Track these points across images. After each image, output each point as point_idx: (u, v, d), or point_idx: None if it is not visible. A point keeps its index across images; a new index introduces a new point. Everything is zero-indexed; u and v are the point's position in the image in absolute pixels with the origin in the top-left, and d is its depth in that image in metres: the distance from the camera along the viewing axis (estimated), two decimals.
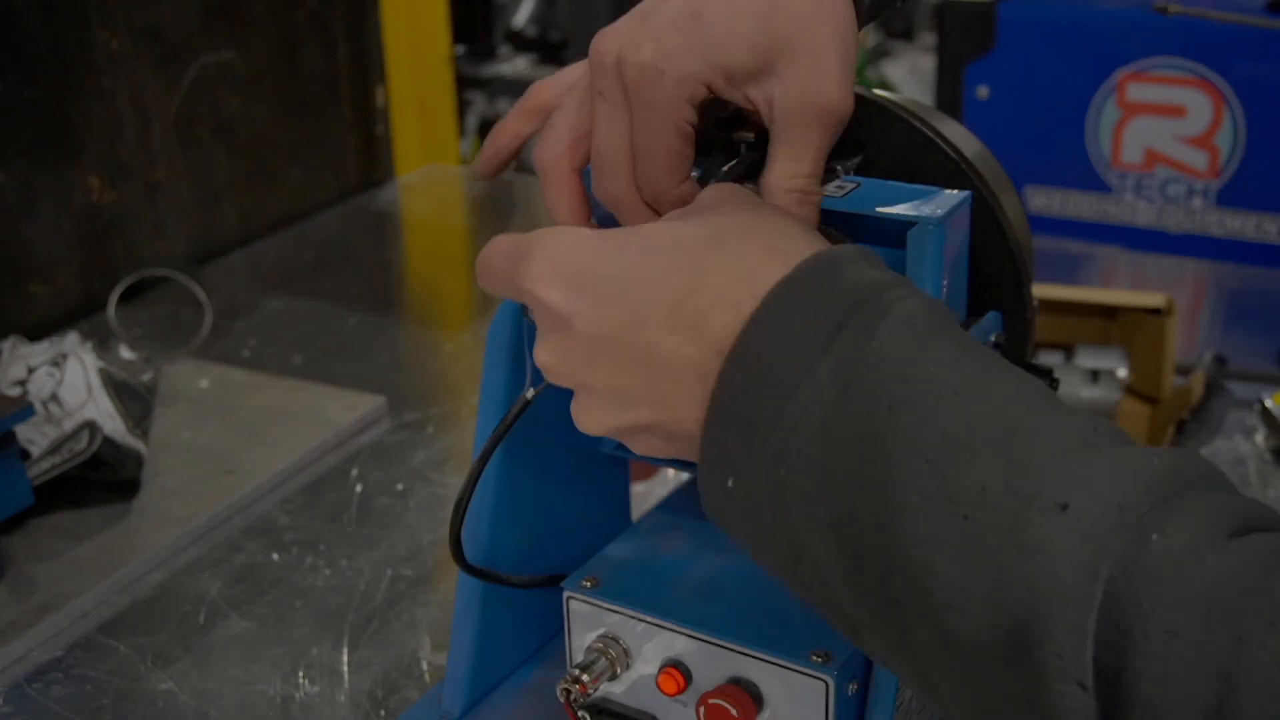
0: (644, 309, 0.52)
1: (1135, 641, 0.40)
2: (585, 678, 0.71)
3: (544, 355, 0.56)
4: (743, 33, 0.59)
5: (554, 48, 2.99)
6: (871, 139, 0.71)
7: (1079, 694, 0.41)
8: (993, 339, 0.69)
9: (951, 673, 0.44)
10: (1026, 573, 0.42)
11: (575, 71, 0.67)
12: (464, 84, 2.67)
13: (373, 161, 1.76)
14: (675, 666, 0.70)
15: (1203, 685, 0.39)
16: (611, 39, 0.60)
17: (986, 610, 0.42)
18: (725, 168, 0.69)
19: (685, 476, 0.84)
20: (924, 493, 0.44)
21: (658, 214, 0.63)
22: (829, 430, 0.47)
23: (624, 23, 0.61)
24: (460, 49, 2.68)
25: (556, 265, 0.54)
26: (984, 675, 0.43)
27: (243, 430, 1.15)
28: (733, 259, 0.52)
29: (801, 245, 0.52)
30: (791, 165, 0.60)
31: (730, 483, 0.50)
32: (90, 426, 1.02)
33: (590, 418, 0.56)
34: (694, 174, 0.71)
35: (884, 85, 3.32)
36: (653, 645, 0.71)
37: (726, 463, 0.50)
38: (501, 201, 1.82)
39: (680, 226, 0.55)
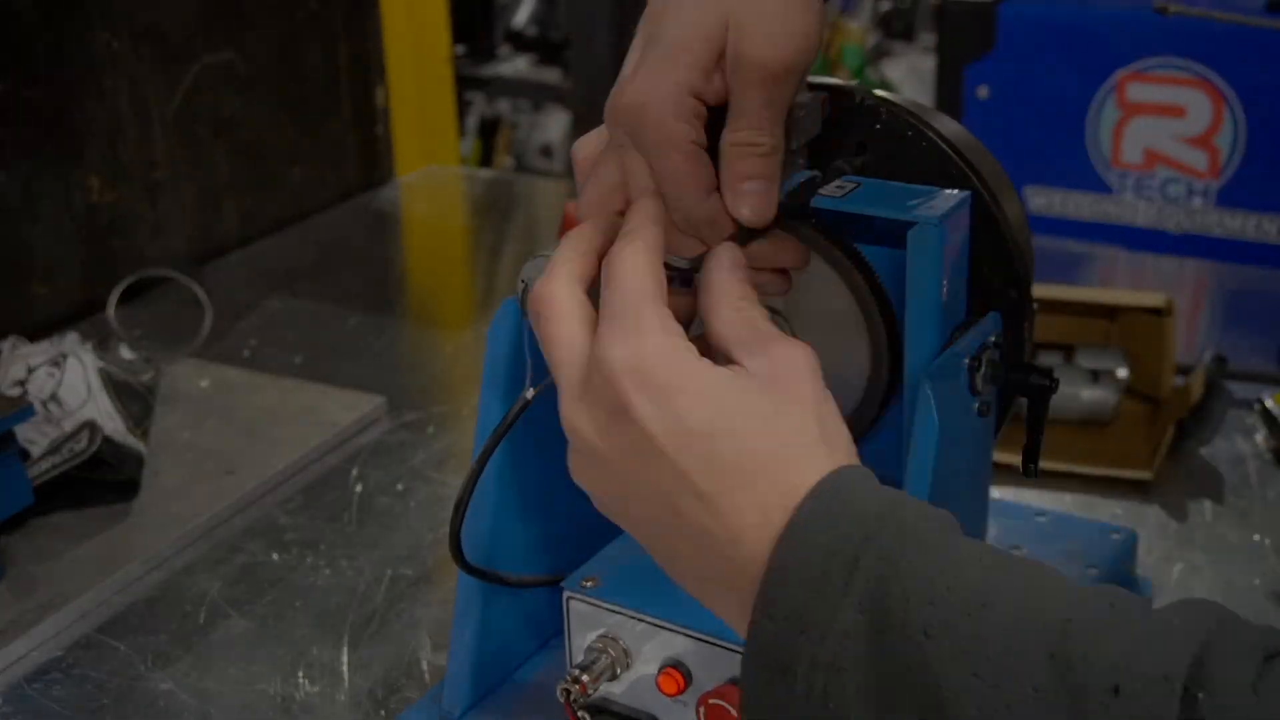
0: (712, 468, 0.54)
1: None
2: (585, 678, 0.71)
3: (575, 420, 0.57)
4: (694, 26, 0.61)
5: (554, 48, 2.98)
6: (871, 140, 0.71)
7: None
8: (992, 339, 0.69)
9: None
10: None
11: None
12: (464, 84, 2.67)
13: (373, 161, 1.76)
14: (675, 666, 0.70)
15: None
16: (610, 99, 0.64)
17: None
18: None
19: None
20: (982, 707, 0.46)
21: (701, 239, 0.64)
22: (873, 661, 0.48)
23: (616, 86, 0.64)
24: (460, 49, 2.68)
25: (645, 367, 0.55)
26: None
27: (243, 430, 1.15)
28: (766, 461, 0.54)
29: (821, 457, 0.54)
30: (734, 121, 0.62)
31: None
32: (90, 426, 1.02)
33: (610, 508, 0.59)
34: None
35: (884, 85, 3.32)
36: (653, 645, 0.71)
37: (773, 713, 0.51)
38: (502, 202, 1.82)
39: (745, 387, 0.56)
